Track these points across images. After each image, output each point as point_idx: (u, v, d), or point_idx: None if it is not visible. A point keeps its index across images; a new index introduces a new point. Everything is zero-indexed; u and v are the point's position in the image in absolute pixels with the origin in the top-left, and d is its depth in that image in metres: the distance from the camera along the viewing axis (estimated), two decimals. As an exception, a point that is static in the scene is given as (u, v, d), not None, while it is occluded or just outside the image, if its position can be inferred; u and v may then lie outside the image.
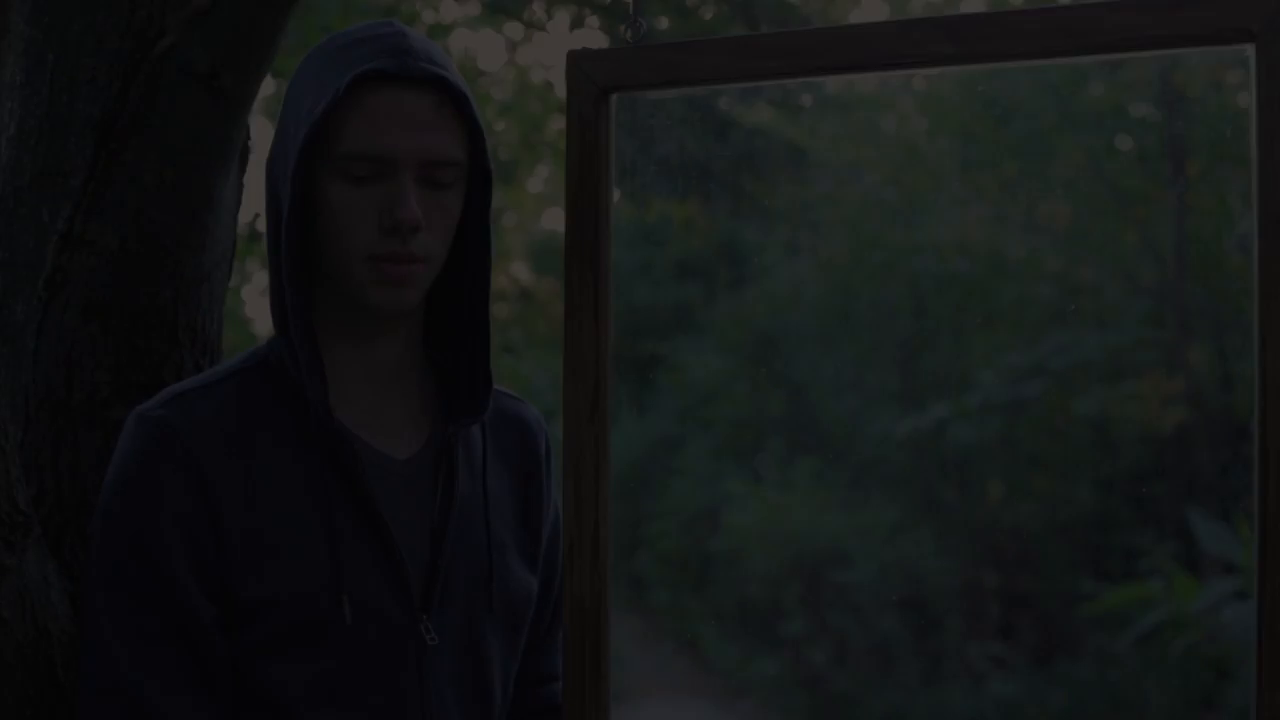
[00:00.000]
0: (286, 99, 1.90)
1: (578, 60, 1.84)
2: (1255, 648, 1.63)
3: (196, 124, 2.16)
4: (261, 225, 5.39)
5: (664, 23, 8.63)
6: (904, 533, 9.87)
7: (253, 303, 9.51)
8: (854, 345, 10.81)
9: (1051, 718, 9.37)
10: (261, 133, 3.04)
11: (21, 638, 1.94)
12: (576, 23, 8.68)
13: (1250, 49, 1.58)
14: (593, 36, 8.47)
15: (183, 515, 1.79)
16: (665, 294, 13.51)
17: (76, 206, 2.15)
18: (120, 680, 1.78)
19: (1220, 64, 8.66)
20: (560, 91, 7.89)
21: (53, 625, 1.97)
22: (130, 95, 2.15)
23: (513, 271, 11.61)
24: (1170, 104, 9.27)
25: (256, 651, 1.81)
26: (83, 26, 2.18)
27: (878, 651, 9.79)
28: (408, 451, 1.92)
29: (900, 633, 9.71)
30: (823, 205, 11.15)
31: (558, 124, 9.11)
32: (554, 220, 13.58)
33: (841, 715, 9.79)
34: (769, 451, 11.23)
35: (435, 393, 1.98)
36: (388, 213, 1.82)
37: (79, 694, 1.82)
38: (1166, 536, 9.37)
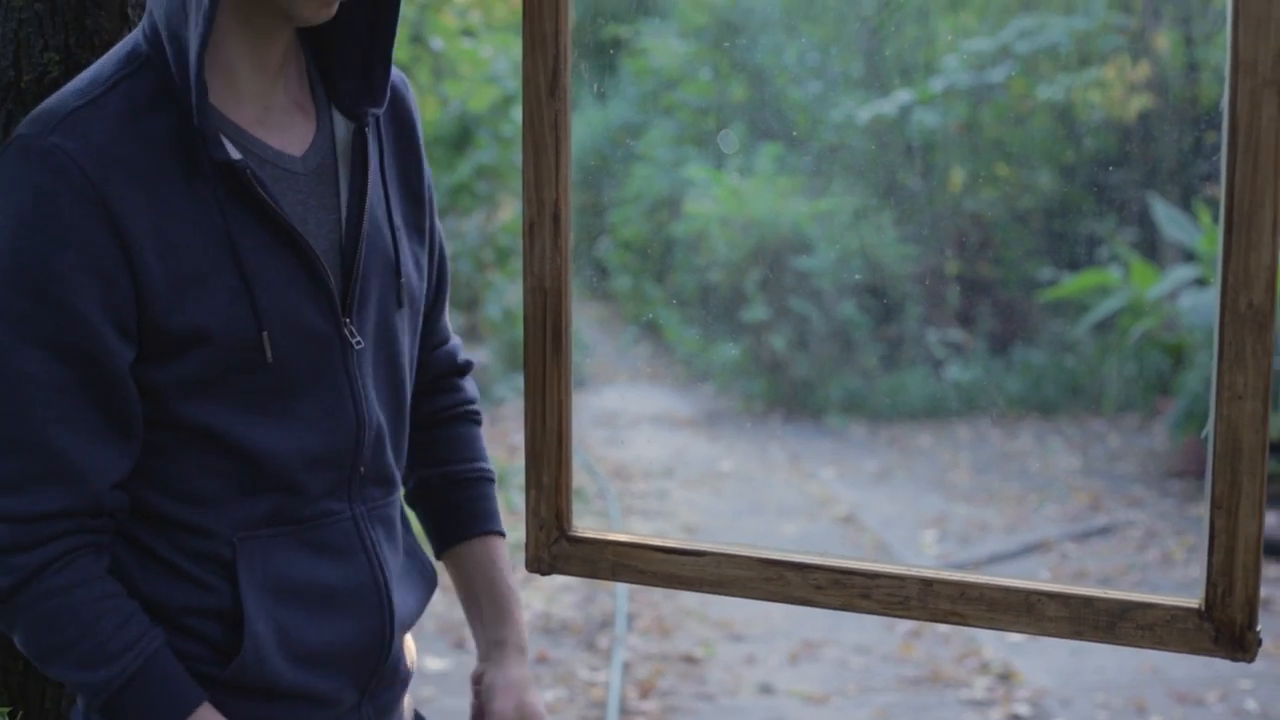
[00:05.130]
0: None
1: None
2: (1216, 328, 1.64)
3: None
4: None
5: None
6: (865, 219, 9.89)
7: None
8: (818, 29, 10.69)
9: (1008, 402, 9.53)
10: None
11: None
12: None
13: None
14: None
15: (93, 253, 1.68)
16: (627, -24, 13.27)
17: (15, -124, 2.07)
18: (28, 430, 1.71)
19: None
20: None
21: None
22: None
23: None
24: None
25: (190, 381, 1.76)
26: None
27: (837, 337, 9.90)
28: (302, 146, 1.86)
29: (860, 318, 9.81)
30: (788, -116, 10.91)
31: None
32: (513, -100, 13.27)
33: (801, 399, 9.94)
34: (731, 133, 11.19)
35: (311, 76, 1.91)
36: None
37: None
38: (1127, 223, 9.42)
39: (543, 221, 1.86)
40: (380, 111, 1.89)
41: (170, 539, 1.82)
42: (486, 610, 2.12)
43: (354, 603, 1.90)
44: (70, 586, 1.73)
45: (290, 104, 1.86)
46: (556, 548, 1.96)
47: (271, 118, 1.83)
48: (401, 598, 1.97)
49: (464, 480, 2.14)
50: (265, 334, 1.76)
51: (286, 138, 1.84)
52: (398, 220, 1.93)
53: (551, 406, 1.91)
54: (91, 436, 1.73)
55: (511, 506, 7.25)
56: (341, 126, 1.89)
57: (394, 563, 1.97)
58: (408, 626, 2.01)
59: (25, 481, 1.71)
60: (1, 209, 1.70)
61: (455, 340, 2.16)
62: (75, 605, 1.73)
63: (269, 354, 1.77)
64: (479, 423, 2.18)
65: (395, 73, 1.96)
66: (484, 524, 2.13)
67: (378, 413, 1.91)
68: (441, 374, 2.14)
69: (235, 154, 1.74)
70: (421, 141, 2.01)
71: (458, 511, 2.13)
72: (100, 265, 1.69)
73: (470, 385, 2.17)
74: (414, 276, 1.96)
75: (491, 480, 2.16)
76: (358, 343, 1.86)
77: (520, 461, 6.54)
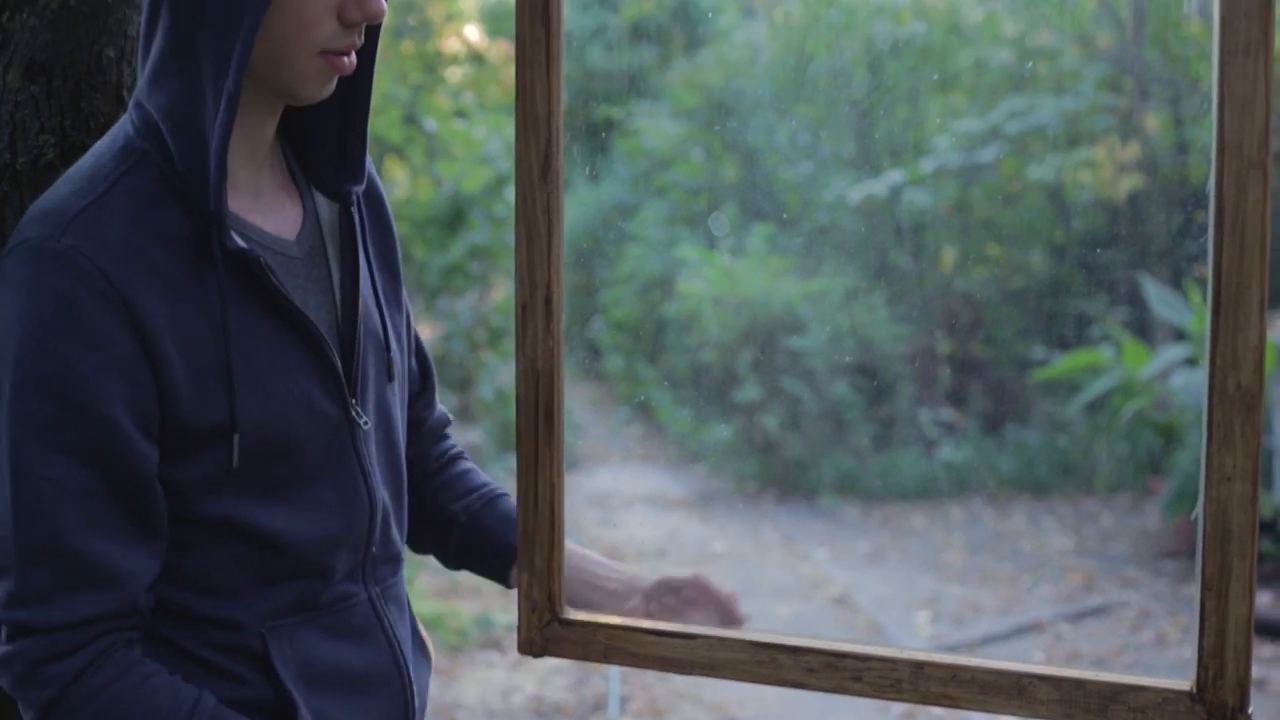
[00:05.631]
0: None
1: None
2: (1206, 410, 1.64)
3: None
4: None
5: None
6: (857, 299, 9.91)
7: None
8: (809, 110, 10.75)
9: (1000, 483, 9.52)
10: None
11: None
12: None
13: None
14: None
15: (116, 354, 1.66)
16: (619, 58, 13.37)
17: (13, -38, 2.09)
18: (57, 539, 1.67)
19: None
20: None
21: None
22: None
23: (464, 34, 11.44)
24: None
25: (211, 475, 1.75)
26: None
27: (829, 417, 9.89)
28: (293, 229, 1.86)
29: (852, 398, 9.81)
30: (779, -32, 11.00)
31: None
32: (506, -17, 13.38)
33: (793, 480, 9.93)
34: (723, 214, 11.23)
35: (287, 157, 1.92)
36: (356, 6, 1.75)
37: (11, 553, 1.69)
38: (1118, 303, 9.44)
39: (535, 304, 1.87)
40: (361, 189, 1.90)
41: (195, 633, 1.80)
42: (599, 570, 2.12)
43: (379, 685, 1.91)
44: (110, 682, 1.71)
45: (276, 188, 1.88)
46: (549, 630, 1.96)
47: (263, 203, 1.85)
48: (416, 675, 1.98)
49: (488, 503, 2.15)
50: (236, 436, 1.74)
51: (279, 222, 1.85)
52: (381, 295, 1.95)
53: (544, 488, 1.92)
54: (122, 540, 1.70)
55: (504, 587, 7.20)
56: (324, 206, 1.91)
57: (408, 642, 1.98)
58: (424, 706, 2.00)
59: (56, 591, 1.68)
60: (20, 315, 1.68)
61: (440, 405, 2.20)
62: (122, 696, 1.71)
63: (235, 459, 1.75)
64: (468, 458, 2.22)
65: None
66: None
67: (382, 491, 1.92)
68: (433, 431, 2.17)
69: (243, 243, 1.74)
70: (391, 213, 2.04)
71: (503, 530, 2.13)
72: (124, 367, 1.67)
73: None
74: (398, 349, 1.98)
75: (508, 492, 2.17)
76: (365, 422, 1.87)
77: (512, 542, 6.51)
